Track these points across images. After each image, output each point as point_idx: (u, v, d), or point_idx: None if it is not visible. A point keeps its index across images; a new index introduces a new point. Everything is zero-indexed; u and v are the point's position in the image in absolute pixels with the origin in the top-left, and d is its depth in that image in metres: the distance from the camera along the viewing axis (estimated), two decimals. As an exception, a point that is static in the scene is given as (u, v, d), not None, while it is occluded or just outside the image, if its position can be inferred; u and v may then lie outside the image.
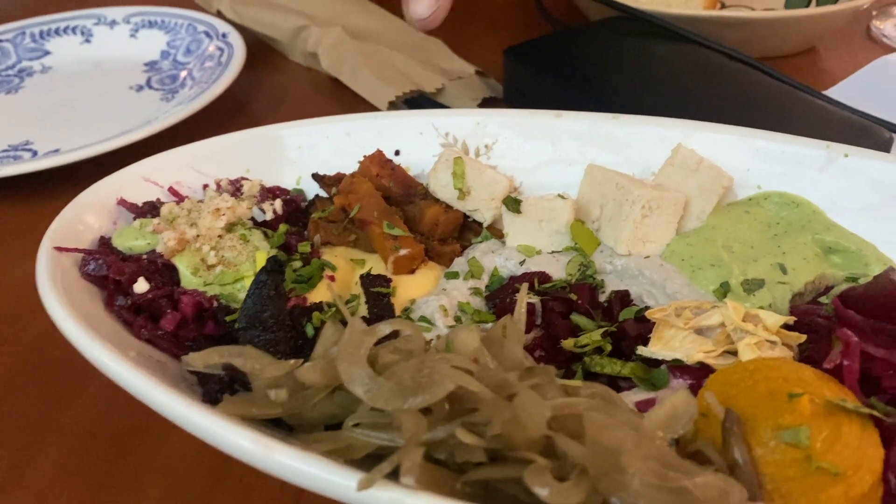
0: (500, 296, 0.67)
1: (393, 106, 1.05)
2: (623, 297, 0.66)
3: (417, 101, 1.07)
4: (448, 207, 0.74)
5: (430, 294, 0.68)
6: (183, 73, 1.18)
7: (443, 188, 0.74)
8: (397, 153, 0.80)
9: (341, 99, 1.14)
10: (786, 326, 0.60)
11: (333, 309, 0.63)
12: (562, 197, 0.71)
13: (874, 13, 1.23)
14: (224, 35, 1.19)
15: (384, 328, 0.51)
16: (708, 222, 0.70)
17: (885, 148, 0.82)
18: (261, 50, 1.29)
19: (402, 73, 1.11)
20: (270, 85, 1.23)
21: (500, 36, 1.27)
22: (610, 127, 0.77)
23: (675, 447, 0.49)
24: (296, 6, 1.27)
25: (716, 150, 0.74)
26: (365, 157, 0.76)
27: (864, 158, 0.69)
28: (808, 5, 1.23)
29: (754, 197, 0.73)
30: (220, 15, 1.27)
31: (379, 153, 0.76)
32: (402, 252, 0.68)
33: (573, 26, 1.18)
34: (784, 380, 0.51)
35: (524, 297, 0.58)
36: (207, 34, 1.21)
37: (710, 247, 0.68)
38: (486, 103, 1.08)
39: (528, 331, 0.64)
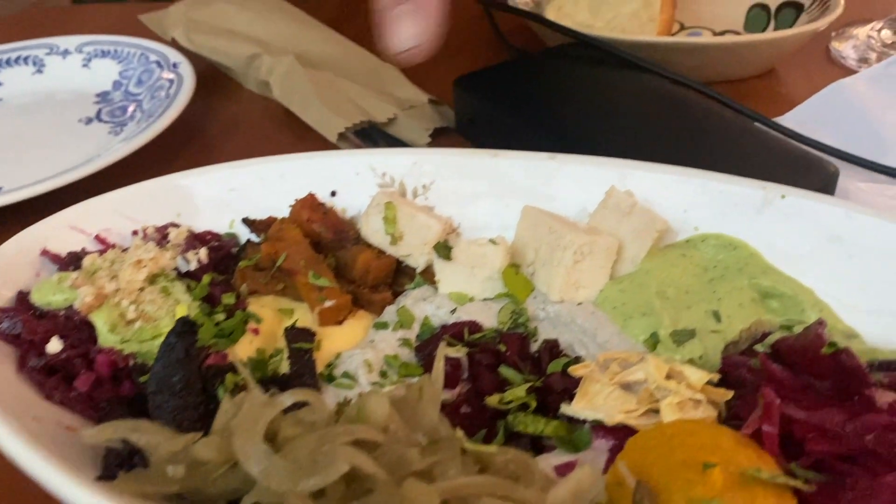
0: (429, 347, 0.66)
1: (342, 137, 1.03)
2: (552, 348, 0.65)
3: (368, 131, 1.06)
4: (380, 253, 0.72)
5: (357, 347, 0.66)
6: (132, 107, 1.16)
7: (375, 233, 0.72)
8: (333, 194, 0.79)
9: (295, 129, 1.12)
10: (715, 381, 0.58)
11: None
12: (493, 242, 0.69)
13: (833, 34, 1.22)
14: (175, 65, 1.17)
15: (286, 399, 0.49)
16: (642, 267, 0.69)
17: (832, 181, 0.81)
18: (216, 78, 1.27)
19: (353, 103, 1.09)
20: (224, 113, 1.21)
21: (458, 60, 1.25)
22: (547, 167, 0.76)
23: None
24: (251, 33, 1.25)
25: (652, 191, 0.72)
26: (296, 200, 0.75)
27: (801, 199, 0.68)
28: (766, 26, 1.22)
29: (691, 239, 0.71)
30: (174, 43, 1.26)
31: (311, 196, 0.75)
32: (328, 304, 0.66)
33: (529, 52, 1.16)
34: (700, 447, 0.49)
35: (442, 356, 0.56)
36: (159, 64, 1.19)
37: (642, 293, 0.67)
38: (438, 134, 1.06)
39: (453, 385, 0.62)
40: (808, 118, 1.04)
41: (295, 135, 1.12)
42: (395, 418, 0.52)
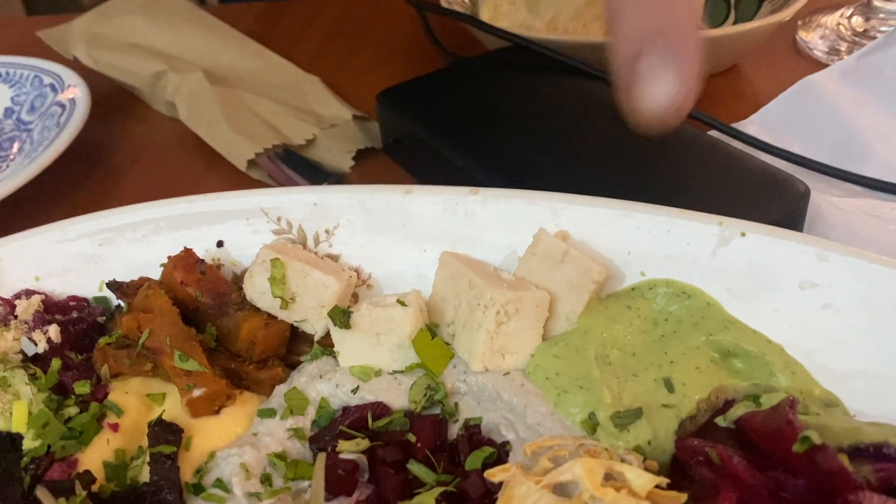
0: (325, 438, 0.54)
1: (253, 164, 0.91)
2: (472, 436, 0.53)
3: (284, 156, 0.94)
4: (270, 319, 0.60)
5: (235, 444, 0.54)
6: (19, 140, 1.02)
7: (262, 296, 0.60)
8: (220, 245, 0.67)
9: (205, 154, 0.99)
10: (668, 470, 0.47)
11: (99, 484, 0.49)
12: (402, 303, 0.58)
13: (799, 23, 1.11)
14: (69, 88, 1.04)
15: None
16: (579, 325, 0.57)
17: (802, 203, 0.70)
18: (122, 98, 1.15)
19: (266, 125, 0.97)
20: (131, 136, 1.09)
21: (389, 69, 1.14)
22: (468, 204, 0.64)
23: None
24: (159, 47, 1.13)
25: (590, 230, 0.61)
26: (169, 258, 0.63)
27: (765, 237, 0.57)
28: (726, 19, 1.11)
29: (637, 286, 0.60)
30: (76, 61, 1.13)
31: (185, 253, 0.63)
32: (197, 393, 0.54)
33: (463, 59, 1.04)
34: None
35: (321, 470, 0.45)
36: (53, 87, 1.06)
37: (580, 359, 0.55)
38: (364, 155, 0.95)
39: (349, 492, 0.51)
40: (774, 122, 0.93)
41: (206, 161, 1.00)
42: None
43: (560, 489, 0.47)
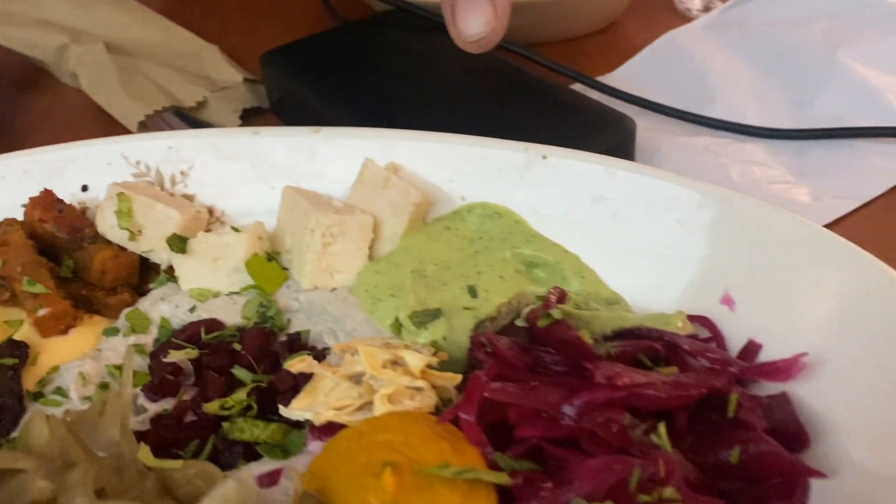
0: (164, 352, 0.59)
1: (144, 126, 0.96)
2: (293, 342, 0.59)
3: (174, 117, 0.98)
4: (121, 251, 0.65)
5: (80, 358, 0.59)
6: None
7: (112, 229, 0.65)
8: (85, 189, 0.71)
9: (103, 121, 1.04)
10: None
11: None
12: (236, 230, 0.63)
13: (676, -17, 1.17)
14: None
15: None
16: (401, 245, 0.63)
17: (630, 137, 0.76)
18: (29, 71, 1.18)
19: (159, 89, 1.01)
20: (35, 108, 1.12)
21: (292, 35, 1.19)
22: (312, 142, 0.69)
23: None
24: (66, 22, 1.16)
25: (419, 162, 0.66)
26: (30, 199, 0.67)
27: (563, 159, 0.62)
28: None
29: (458, 210, 0.65)
30: (-14, 37, 1.16)
31: (45, 194, 0.67)
32: (42, 312, 0.59)
33: (349, 21, 1.09)
34: (388, 446, 0.44)
35: (130, 363, 0.50)
36: (-42, 61, 1.10)
37: (397, 273, 0.61)
38: (251, 114, 0.99)
39: (173, 392, 0.56)
40: (637, 74, 0.99)
41: (105, 127, 1.03)
42: (62, 440, 0.46)
43: (355, 378, 0.53)
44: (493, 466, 0.44)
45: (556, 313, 0.49)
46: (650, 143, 0.83)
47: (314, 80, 0.91)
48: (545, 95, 0.83)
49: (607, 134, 0.75)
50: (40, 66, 1.18)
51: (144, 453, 0.46)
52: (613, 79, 0.98)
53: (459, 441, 0.45)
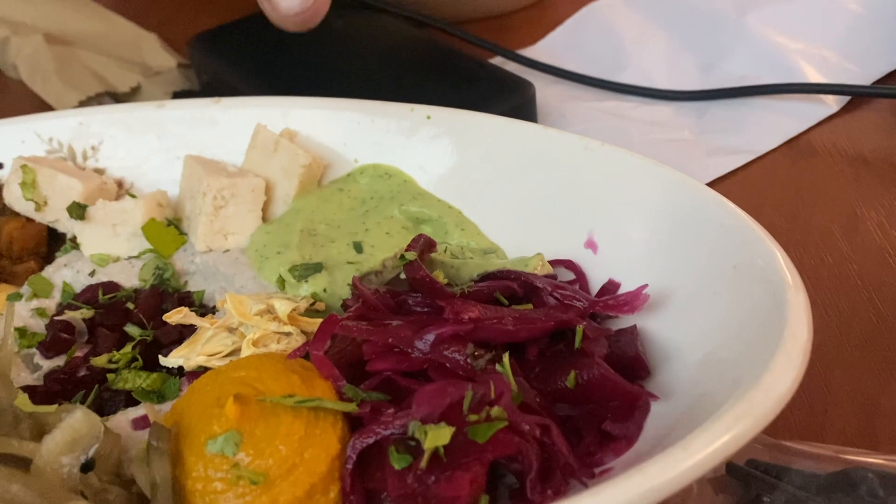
0: (59, 314, 0.62)
1: (77, 113, 0.98)
2: (182, 301, 0.61)
3: (108, 103, 1.01)
4: (28, 222, 0.68)
5: (-19, 321, 0.61)
6: None
7: (18, 201, 0.68)
8: (0, 167, 0.74)
9: (45, 108, 1.06)
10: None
11: None
12: (132, 196, 0.65)
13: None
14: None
15: None
16: (293, 206, 0.65)
17: (529, 100, 0.78)
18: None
19: (95, 76, 1.04)
20: (-19, 101, 1.15)
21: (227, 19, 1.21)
22: (213, 112, 0.72)
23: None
24: (8, 16, 1.19)
25: (313, 127, 0.69)
26: (-60, 176, 0.70)
27: (446, 117, 0.65)
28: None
29: (351, 173, 0.68)
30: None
31: (-45, 171, 0.70)
32: (-58, 279, 0.62)
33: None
34: (240, 381, 0.46)
35: (10, 316, 0.52)
36: None
37: (287, 232, 0.63)
38: (179, 97, 1.02)
39: (65, 349, 0.58)
40: (557, 46, 1.01)
41: (44, 115, 1.06)
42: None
43: (232, 329, 0.55)
44: (345, 399, 0.46)
45: (409, 255, 0.52)
46: (558, 109, 0.86)
47: (240, 63, 0.94)
48: (457, 67, 0.85)
49: (507, 98, 0.77)
50: (-15, 61, 1.21)
51: (22, 400, 0.48)
52: (535, 51, 1.00)
53: (311, 376, 0.47)
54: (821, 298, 0.62)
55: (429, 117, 0.65)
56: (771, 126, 0.79)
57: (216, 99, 0.72)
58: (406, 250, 0.55)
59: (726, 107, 0.83)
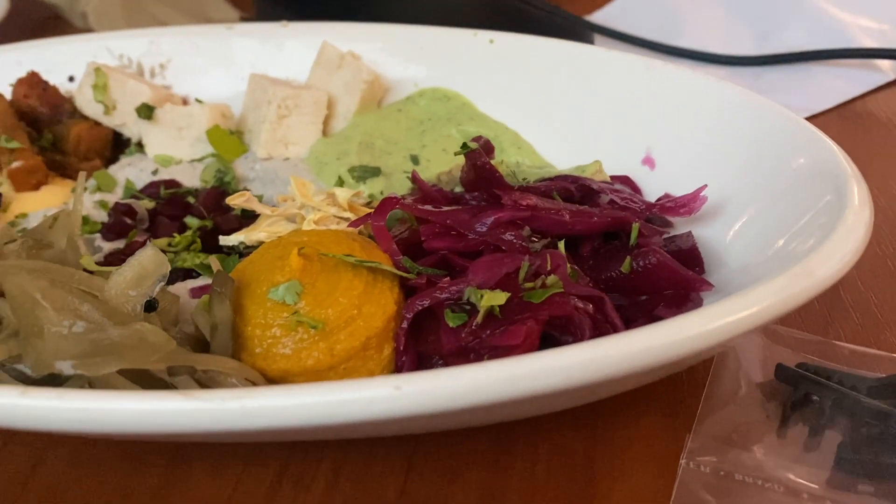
0: (125, 207, 0.63)
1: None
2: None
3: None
4: (96, 124, 0.70)
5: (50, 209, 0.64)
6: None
7: (89, 104, 0.70)
8: (72, 80, 0.77)
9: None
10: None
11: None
12: (199, 101, 0.67)
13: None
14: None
15: None
16: (353, 121, 0.67)
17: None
18: (43, 14, 1.26)
19: (160, 25, 1.07)
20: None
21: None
22: (280, 35, 0.74)
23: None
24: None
25: (377, 51, 0.71)
26: (17, 79, 0.73)
27: (509, 41, 0.66)
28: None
29: (411, 96, 0.69)
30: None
31: (31, 75, 0.72)
32: (15, 164, 0.64)
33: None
34: (301, 244, 0.47)
35: (82, 183, 0.54)
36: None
37: (345, 143, 0.65)
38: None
39: (124, 233, 0.60)
40: (617, 13, 1.02)
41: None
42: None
43: (291, 218, 0.56)
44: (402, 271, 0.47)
45: (472, 144, 0.53)
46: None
47: (306, 14, 0.96)
48: (520, 11, 0.87)
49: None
50: (53, 10, 1.26)
51: (87, 260, 0.50)
52: (596, 18, 1.02)
53: (371, 247, 0.48)
54: (875, 237, 0.61)
55: (491, 41, 0.66)
56: (826, 89, 0.79)
57: (284, 23, 0.74)
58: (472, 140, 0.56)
59: (782, 72, 0.83)
